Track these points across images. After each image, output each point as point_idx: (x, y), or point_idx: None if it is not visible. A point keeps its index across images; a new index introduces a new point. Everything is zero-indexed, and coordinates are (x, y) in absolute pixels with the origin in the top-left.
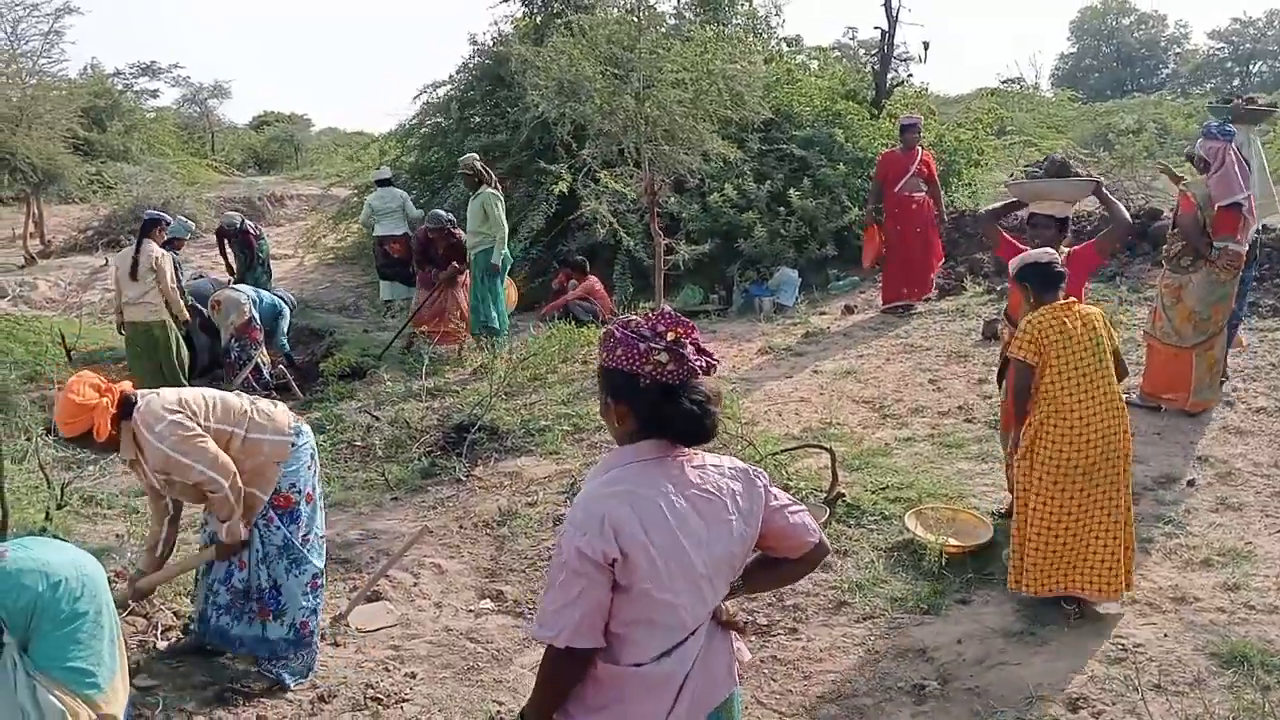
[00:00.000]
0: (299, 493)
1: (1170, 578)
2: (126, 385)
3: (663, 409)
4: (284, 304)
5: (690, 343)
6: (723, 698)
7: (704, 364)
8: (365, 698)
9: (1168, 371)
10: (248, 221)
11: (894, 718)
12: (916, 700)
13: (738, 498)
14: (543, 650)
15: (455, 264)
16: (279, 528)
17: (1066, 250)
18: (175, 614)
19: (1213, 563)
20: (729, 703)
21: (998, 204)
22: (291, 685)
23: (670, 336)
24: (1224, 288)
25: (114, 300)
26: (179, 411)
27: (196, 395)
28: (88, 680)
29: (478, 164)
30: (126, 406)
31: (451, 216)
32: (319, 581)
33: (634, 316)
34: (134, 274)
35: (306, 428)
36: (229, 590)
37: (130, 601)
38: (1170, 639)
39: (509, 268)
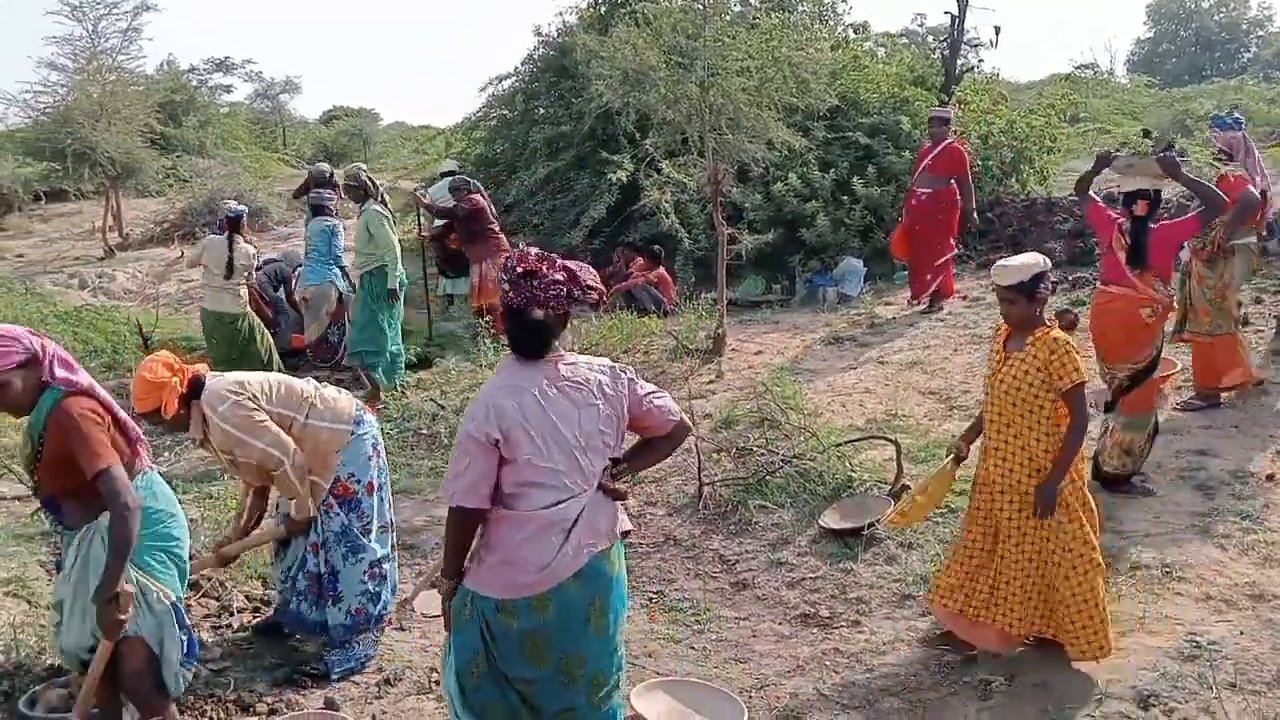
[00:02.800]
0: (358, 483)
1: (1247, 574)
2: (201, 367)
3: (509, 324)
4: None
5: (553, 271)
6: (604, 546)
7: (548, 295)
8: (430, 681)
9: (1220, 359)
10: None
11: (959, 713)
12: (982, 695)
13: (604, 386)
14: None
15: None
16: (337, 514)
17: (1155, 224)
18: (247, 597)
19: None
20: (609, 551)
21: (1087, 169)
22: (335, 676)
23: (520, 270)
24: (1250, 272)
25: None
26: (240, 394)
27: (260, 379)
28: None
29: (364, 175)
30: (196, 387)
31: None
32: (379, 570)
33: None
34: (229, 273)
35: (370, 418)
36: (306, 576)
37: (212, 568)
38: (1247, 636)
39: (403, 294)
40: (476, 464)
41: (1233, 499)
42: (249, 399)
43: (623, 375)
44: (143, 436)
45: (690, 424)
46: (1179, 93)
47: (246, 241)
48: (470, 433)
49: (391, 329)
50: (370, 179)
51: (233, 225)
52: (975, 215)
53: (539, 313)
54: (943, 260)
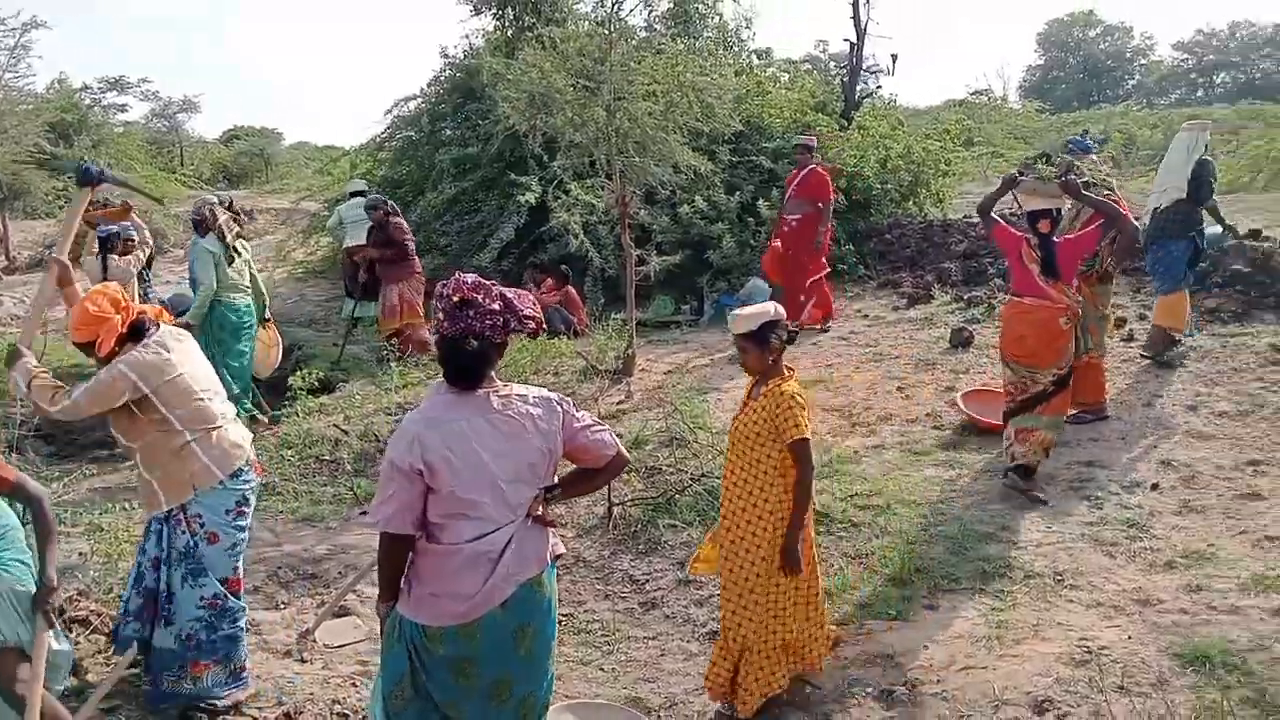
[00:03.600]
0: (202, 526)
1: (1135, 580)
2: (150, 309)
3: (443, 354)
4: None
5: (490, 301)
6: (532, 574)
7: (484, 325)
8: (332, 713)
9: (1099, 380)
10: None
11: None
12: (885, 705)
13: (537, 420)
14: None
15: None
16: (184, 533)
17: (1058, 239)
18: None
19: (1176, 565)
20: (539, 578)
21: (992, 191)
22: (160, 705)
23: (456, 299)
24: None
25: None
26: (150, 379)
27: (189, 387)
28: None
29: (206, 209)
30: (137, 331)
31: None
32: (221, 603)
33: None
34: None
35: (252, 477)
36: (141, 594)
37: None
38: (1134, 640)
39: (248, 332)
40: (401, 492)
41: (1120, 508)
42: (148, 380)
43: (558, 408)
44: None
45: (628, 456)
46: (1069, 117)
47: (124, 256)
48: (394, 461)
49: (232, 369)
50: (212, 212)
51: (104, 246)
52: (825, 239)
53: (474, 343)
54: (813, 280)
